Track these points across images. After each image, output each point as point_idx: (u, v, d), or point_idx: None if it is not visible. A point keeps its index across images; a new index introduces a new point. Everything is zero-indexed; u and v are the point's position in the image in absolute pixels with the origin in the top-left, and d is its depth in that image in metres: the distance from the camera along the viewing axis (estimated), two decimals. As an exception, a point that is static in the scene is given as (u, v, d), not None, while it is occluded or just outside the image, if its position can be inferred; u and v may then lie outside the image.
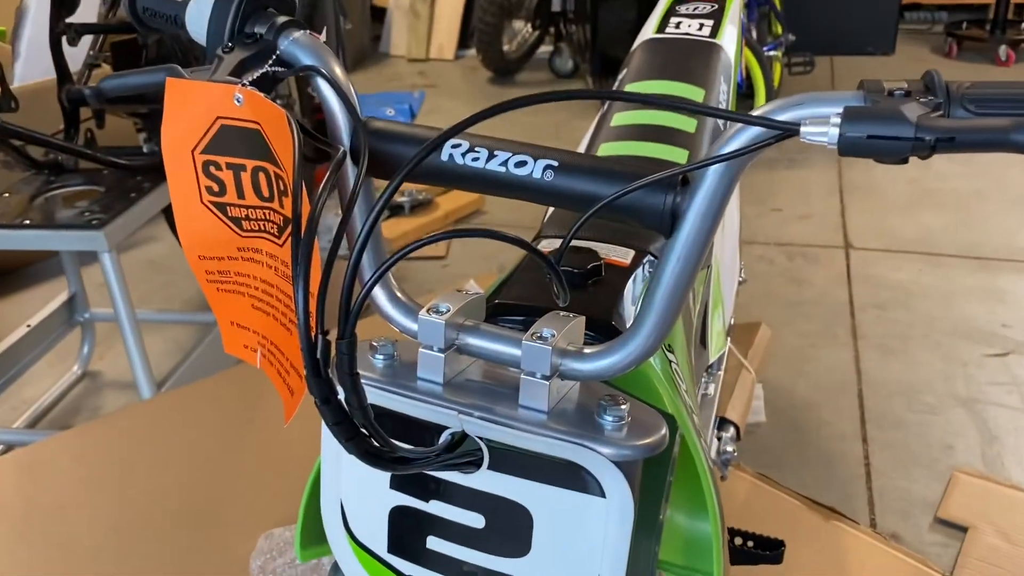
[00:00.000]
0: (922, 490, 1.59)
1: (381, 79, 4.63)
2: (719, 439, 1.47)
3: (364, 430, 0.52)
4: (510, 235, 0.53)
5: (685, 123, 1.11)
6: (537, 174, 0.59)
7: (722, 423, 1.52)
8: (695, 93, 1.16)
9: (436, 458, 0.59)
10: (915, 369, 1.95)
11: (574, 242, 0.94)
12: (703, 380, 1.22)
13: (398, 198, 2.71)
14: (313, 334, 0.49)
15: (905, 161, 0.51)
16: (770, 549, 1.25)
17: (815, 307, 2.21)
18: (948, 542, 1.47)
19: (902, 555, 1.43)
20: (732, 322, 1.48)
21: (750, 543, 1.27)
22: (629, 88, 1.18)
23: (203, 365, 1.97)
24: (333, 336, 0.50)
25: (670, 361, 0.83)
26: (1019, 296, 2.24)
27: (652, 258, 0.92)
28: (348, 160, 0.62)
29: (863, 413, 1.81)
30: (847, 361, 1.99)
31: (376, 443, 0.53)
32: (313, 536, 0.79)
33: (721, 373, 1.45)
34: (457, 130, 0.57)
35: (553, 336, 0.61)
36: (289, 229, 0.64)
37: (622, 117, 1.11)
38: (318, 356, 0.48)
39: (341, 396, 0.50)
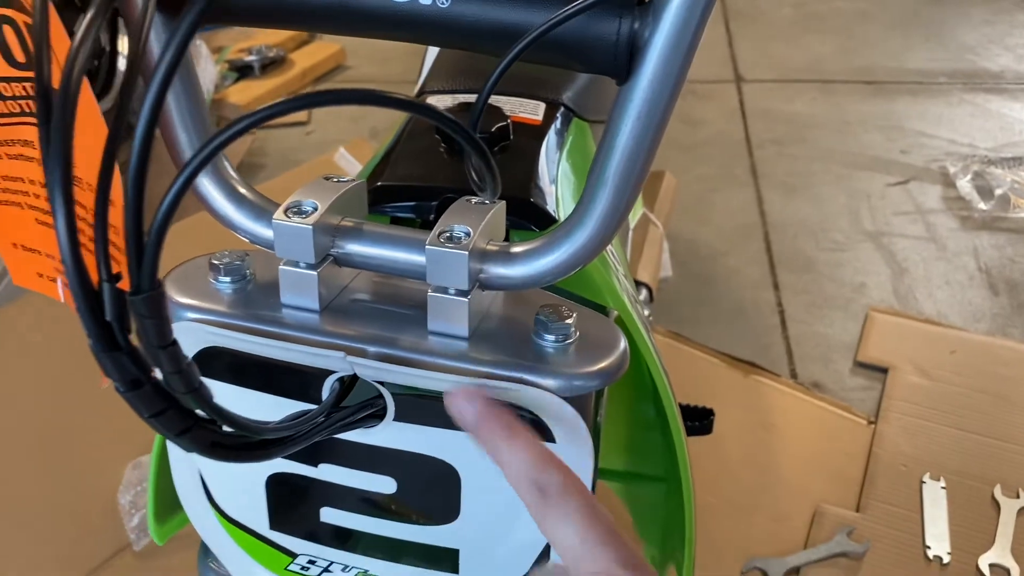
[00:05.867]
0: (839, 333, 1.53)
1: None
2: (632, 303, 1.34)
3: (201, 412, 0.34)
4: (401, 97, 0.35)
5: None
6: (426, 0, 0.40)
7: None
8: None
9: (321, 425, 0.42)
10: (820, 205, 1.87)
11: (465, 98, 0.75)
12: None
13: (245, 56, 2.39)
14: (96, 281, 0.30)
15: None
16: (699, 419, 1.15)
17: (712, 148, 2.08)
18: (870, 384, 1.42)
19: (827, 404, 1.37)
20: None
21: (677, 415, 1.16)
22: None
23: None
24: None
25: (603, 239, 0.67)
26: (914, 120, 2.17)
27: (566, 111, 0.74)
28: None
29: (771, 257, 1.73)
30: (750, 203, 1.89)
31: (224, 427, 0.35)
32: (170, 506, 0.61)
33: (631, 232, 1.31)
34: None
35: (468, 235, 0.43)
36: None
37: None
38: (108, 318, 0.30)
39: (158, 372, 0.32)
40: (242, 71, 2.38)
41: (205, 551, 0.59)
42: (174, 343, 0.30)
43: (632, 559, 0.33)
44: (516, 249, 0.45)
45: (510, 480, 0.37)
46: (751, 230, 1.81)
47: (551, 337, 0.45)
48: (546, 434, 0.45)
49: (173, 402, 0.32)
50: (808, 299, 1.62)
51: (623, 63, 0.39)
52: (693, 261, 1.72)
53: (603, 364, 0.45)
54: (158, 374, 0.32)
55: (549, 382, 0.44)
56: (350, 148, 1.90)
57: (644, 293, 1.38)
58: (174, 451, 0.52)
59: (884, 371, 1.43)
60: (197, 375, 0.32)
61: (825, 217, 1.83)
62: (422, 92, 0.77)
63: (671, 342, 1.48)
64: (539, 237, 0.45)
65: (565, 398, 0.44)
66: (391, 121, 0.70)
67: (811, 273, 1.68)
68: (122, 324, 0.30)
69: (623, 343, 0.46)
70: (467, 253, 0.42)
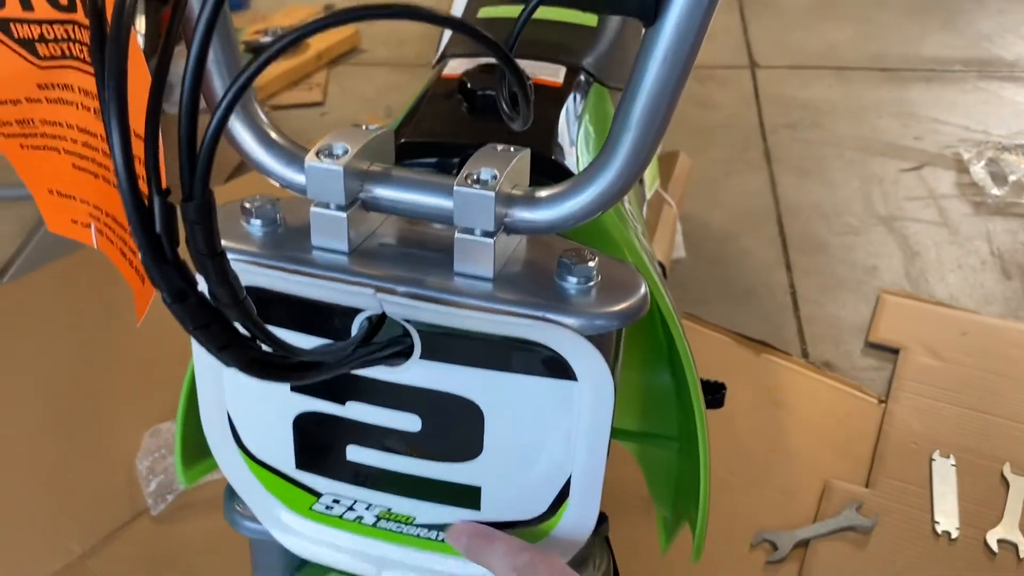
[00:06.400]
0: (850, 315, 1.54)
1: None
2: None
3: (243, 330, 0.35)
4: (443, 15, 0.36)
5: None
6: (459, -57, 0.41)
7: (647, 263, 1.41)
8: None
9: (351, 355, 0.43)
10: (833, 189, 1.88)
11: (486, 62, 0.76)
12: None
13: (260, 38, 2.40)
14: (146, 196, 0.31)
15: None
16: (711, 393, 1.16)
17: (726, 132, 2.09)
18: (881, 365, 1.43)
19: (837, 383, 1.38)
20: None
21: (689, 389, 1.18)
22: None
23: (54, 244, 1.72)
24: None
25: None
26: (928, 107, 2.17)
27: (587, 75, 0.75)
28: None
29: (784, 239, 1.74)
30: (763, 186, 1.90)
31: (263, 347, 0.37)
32: (197, 452, 0.63)
33: (646, 205, 1.32)
34: None
35: (495, 178, 0.44)
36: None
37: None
38: (157, 230, 0.31)
39: (203, 285, 0.33)
40: (257, 52, 2.40)
41: (231, 494, 0.60)
42: (222, 253, 0.32)
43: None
44: (541, 193, 0.46)
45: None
46: (764, 213, 1.82)
47: (574, 279, 0.46)
48: (568, 372, 0.47)
49: (217, 316, 0.33)
50: (820, 281, 1.62)
51: (650, 4, 0.41)
52: (706, 242, 1.73)
53: (624, 305, 0.46)
54: (204, 289, 0.33)
55: (571, 320, 0.45)
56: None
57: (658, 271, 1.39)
58: (204, 393, 0.54)
59: (895, 352, 1.44)
60: (242, 288, 0.33)
61: (838, 201, 1.84)
62: (443, 57, 0.78)
63: (684, 322, 1.48)
64: (563, 183, 0.46)
65: (587, 337, 0.46)
66: (406, 100, 0.72)
67: (824, 255, 1.69)
68: (170, 236, 0.31)
69: (644, 286, 0.48)
70: (494, 194, 0.44)
